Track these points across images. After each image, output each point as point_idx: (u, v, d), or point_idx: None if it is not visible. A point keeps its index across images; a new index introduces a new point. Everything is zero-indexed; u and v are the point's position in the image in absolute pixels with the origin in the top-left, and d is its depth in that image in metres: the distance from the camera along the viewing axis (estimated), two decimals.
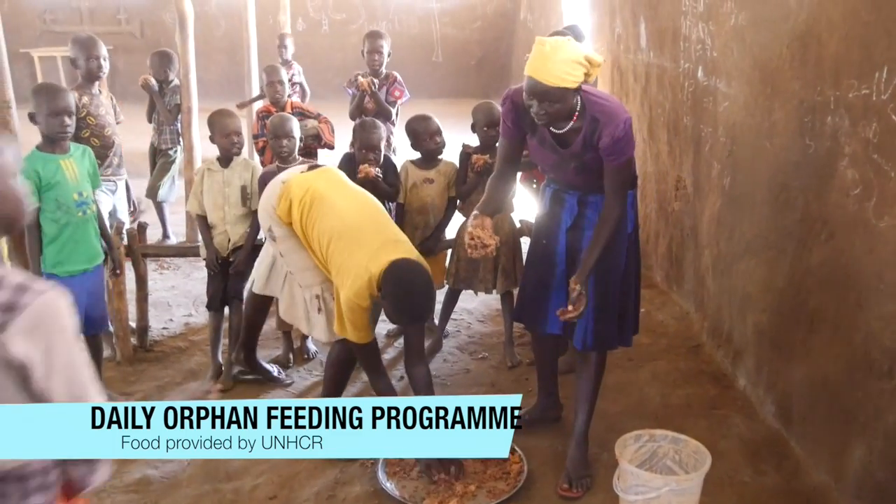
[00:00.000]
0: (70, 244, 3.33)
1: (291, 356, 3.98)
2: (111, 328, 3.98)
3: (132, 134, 9.26)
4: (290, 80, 5.90)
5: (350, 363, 3.26)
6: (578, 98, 2.62)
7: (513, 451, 3.04)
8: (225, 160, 3.78)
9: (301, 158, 3.88)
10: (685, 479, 2.51)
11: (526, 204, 3.99)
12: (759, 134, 3.33)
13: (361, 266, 2.79)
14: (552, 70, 2.48)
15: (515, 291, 3.68)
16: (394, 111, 5.07)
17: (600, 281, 2.78)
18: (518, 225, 3.92)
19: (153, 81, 5.64)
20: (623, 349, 3.11)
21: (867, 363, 2.62)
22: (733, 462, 3.02)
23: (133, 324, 4.16)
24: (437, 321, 4.17)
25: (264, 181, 3.77)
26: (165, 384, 3.78)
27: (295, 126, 3.83)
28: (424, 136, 3.90)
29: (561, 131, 2.69)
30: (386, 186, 3.76)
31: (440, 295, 4.38)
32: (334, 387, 3.30)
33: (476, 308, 4.61)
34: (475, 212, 2.80)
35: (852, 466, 2.68)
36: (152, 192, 5.65)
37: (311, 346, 4.08)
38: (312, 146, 4.56)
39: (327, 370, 3.33)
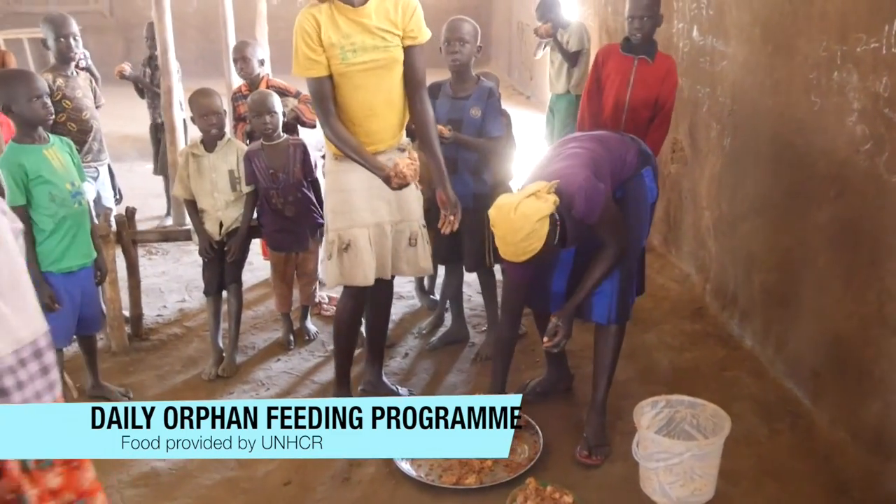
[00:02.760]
0: (68, 238, 3.13)
1: (292, 337, 3.92)
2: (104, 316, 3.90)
3: (110, 118, 9.06)
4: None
5: (355, 314, 3.17)
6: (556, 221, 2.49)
7: (528, 423, 3.02)
8: (208, 143, 3.65)
9: (286, 136, 3.78)
10: (706, 443, 2.50)
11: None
12: (762, 92, 3.28)
13: None
14: (518, 251, 2.47)
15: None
16: None
17: (627, 257, 2.77)
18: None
19: (127, 69, 5.51)
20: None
21: (881, 319, 2.61)
22: (748, 423, 3.01)
23: (126, 312, 4.07)
24: (435, 297, 4.13)
25: (251, 158, 3.68)
26: (165, 373, 3.70)
27: (276, 102, 3.72)
28: None
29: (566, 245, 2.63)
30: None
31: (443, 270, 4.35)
32: (345, 343, 3.21)
33: (475, 280, 4.53)
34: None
35: (869, 422, 2.68)
36: (162, 168, 5.58)
37: (311, 328, 4.02)
38: (293, 124, 4.38)
39: (335, 328, 3.25)
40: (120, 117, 8.91)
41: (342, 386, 3.26)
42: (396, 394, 3.32)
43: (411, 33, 2.85)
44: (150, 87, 5.52)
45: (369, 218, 2.98)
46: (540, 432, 2.96)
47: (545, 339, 2.76)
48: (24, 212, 3.00)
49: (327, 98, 2.84)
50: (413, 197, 3.07)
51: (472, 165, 3.45)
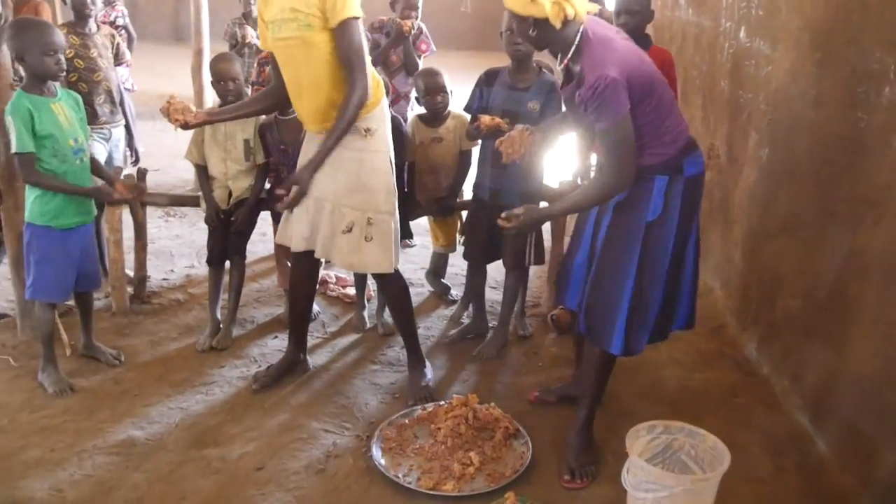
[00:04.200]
0: (66, 196, 3.07)
1: None
2: (107, 277, 3.85)
3: (149, 75, 9.10)
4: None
5: (294, 278, 3.25)
6: (576, 37, 2.37)
7: (517, 431, 2.87)
8: None
9: None
10: (700, 479, 2.31)
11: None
12: (805, 103, 3.05)
13: None
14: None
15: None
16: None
17: (600, 271, 2.58)
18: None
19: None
20: None
21: None
22: (752, 457, 2.81)
23: (131, 273, 4.00)
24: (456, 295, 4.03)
25: (263, 132, 3.58)
26: (160, 339, 3.63)
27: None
28: (426, 92, 3.64)
29: (559, 66, 2.48)
30: None
31: (454, 259, 4.20)
32: (409, 310, 3.21)
33: (489, 275, 4.39)
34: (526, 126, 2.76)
35: (884, 472, 2.46)
36: None
37: (314, 307, 3.91)
38: None
39: (397, 302, 3.19)
40: (159, 75, 8.95)
41: (292, 348, 3.32)
42: None
43: (326, 13, 2.71)
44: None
45: (312, 189, 2.93)
46: (530, 442, 2.81)
47: (502, 216, 2.54)
48: (32, 158, 2.95)
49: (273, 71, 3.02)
50: (376, 187, 2.93)
51: (522, 163, 3.27)
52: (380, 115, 2.94)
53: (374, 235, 2.94)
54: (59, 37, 3.02)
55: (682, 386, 3.29)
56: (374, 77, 2.90)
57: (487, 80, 3.39)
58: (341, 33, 2.73)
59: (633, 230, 2.51)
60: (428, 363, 3.30)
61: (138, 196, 3.42)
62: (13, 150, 2.94)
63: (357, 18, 2.74)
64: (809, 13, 3.02)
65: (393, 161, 3.02)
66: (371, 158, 2.92)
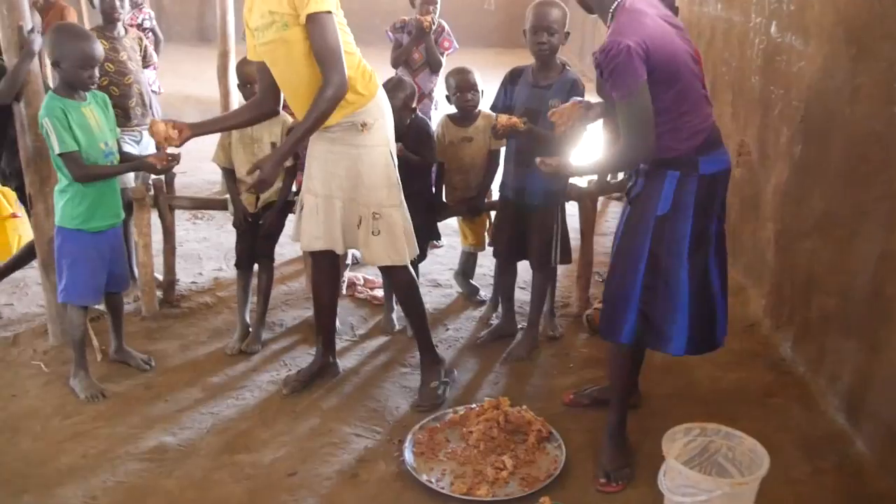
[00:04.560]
0: (97, 198, 3.10)
1: None
2: (136, 281, 3.87)
3: (174, 77, 9.12)
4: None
5: (315, 278, 3.27)
6: (612, 4, 2.41)
7: (550, 434, 2.85)
8: None
9: None
10: (739, 482, 2.28)
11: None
12: (839, 99, 2.99)
13: None
14: None
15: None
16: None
17: (614, 262, 2.65)
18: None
19: None
20: None
21: None
22: (789, 458, 2.77)
23: (160, 276, 4.03)
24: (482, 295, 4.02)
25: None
26: (189, 343, 3.64)
27: None
28: (456, 90, 3.62)
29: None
30: (412, 156, 3.47)
31: (483, 260, 4.18)
32: (419, 306, 3.21)
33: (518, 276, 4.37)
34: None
35: None
36: None
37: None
38: None
39: (405, 296, 3.19)
40: (184, 76, 9.00)
41: (322, 351, 3.31)
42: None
43: (297, 10, 2.70)
44: None
45: (320, 188, 2.99)
46: (563, 446, 2.79)
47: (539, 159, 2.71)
48: (77, 155, 2.98)
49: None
50: (376, 183, 2.94)
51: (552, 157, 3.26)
52: (375, 110, 2.93)
53: (381, 229, 2.96)
54: (99, 50, 3.05)
55: (716, 387, 3.25)
56: (365, 71, 2.90)
57: (512, 79, 3.38)
58: (311, 28, 2.70)
59: (644, 222, 2.51)
60: (445, 360, 3.30)
61: (172, 161, 3.25)
62: (56, 151, 2.97)
63: (328, 13, 2.71)
64: (843, 7, 2.96)
65: (394, 154, 3.02)
66: (369, 153, 2.92)
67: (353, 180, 2.93)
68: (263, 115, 3.16)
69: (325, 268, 3.21)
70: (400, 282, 3.15)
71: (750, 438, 2.44)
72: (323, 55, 2.72)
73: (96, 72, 3.03)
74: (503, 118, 3.16)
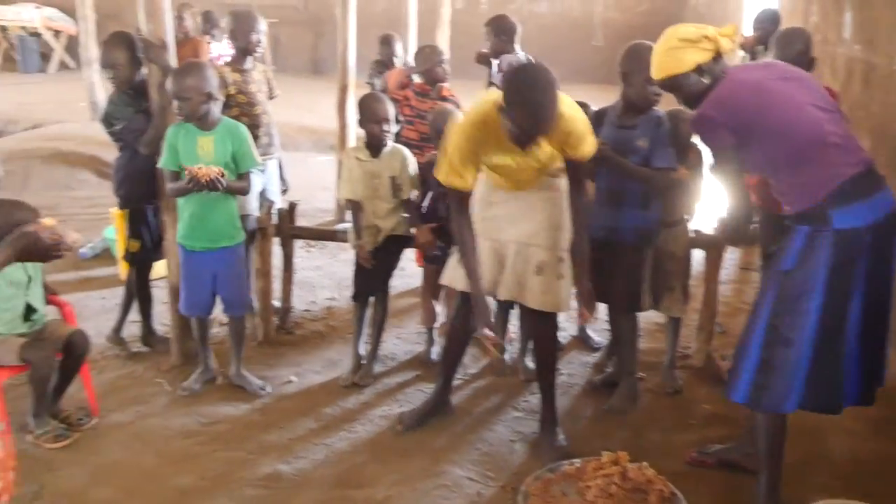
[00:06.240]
0: (194, 220, 3.34)
1: (434, 355, 3.78)
2: (254, 308, 3.94)
3: (289, 108, 9.41)
4: None
5: (457, 319, 3.15)
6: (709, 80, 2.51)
7: (673, 495, 2.70)
8: (375, 148, 3.56)
9: None
10: None
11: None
12: None
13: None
14: (655, 63, 2.57)
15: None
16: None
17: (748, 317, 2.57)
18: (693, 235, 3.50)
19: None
20: None
21: None
22: None
23: (277, 303, 4.10)
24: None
25: (425, 169, 3.56)
26: (304, 371, 3.68)
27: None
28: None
29: None
30: None
31: None
32: (554, 362, 3.15)
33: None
34: None
35: None
36: None
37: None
38: None
39: (550, 345, 3.12)
40: (299, 107, 9.27)
41: (440, 390, 3.25)
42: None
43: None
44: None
45: (493, 231, 2.98)
46: None
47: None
48: (170, 174, 3.29)
49: None
50: (565, 225, 2.94)
51: (638, 198, 3.18)
52: None
53: (564, 273, 2.94)
54: (211, 87, 3.26)
55: (853, 457, 3.02)
56: None
57: (597, 121, 3.27)
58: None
59: (771, 277, 2.49)
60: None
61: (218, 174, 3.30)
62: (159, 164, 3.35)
63: None
64: None
65: None
66: (561, 197, 2.96)
67: (548, 223, 2.94)
68: None
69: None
70: (551, 329, 3.09)
71: None
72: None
73: (188, 104, 3.22)
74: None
